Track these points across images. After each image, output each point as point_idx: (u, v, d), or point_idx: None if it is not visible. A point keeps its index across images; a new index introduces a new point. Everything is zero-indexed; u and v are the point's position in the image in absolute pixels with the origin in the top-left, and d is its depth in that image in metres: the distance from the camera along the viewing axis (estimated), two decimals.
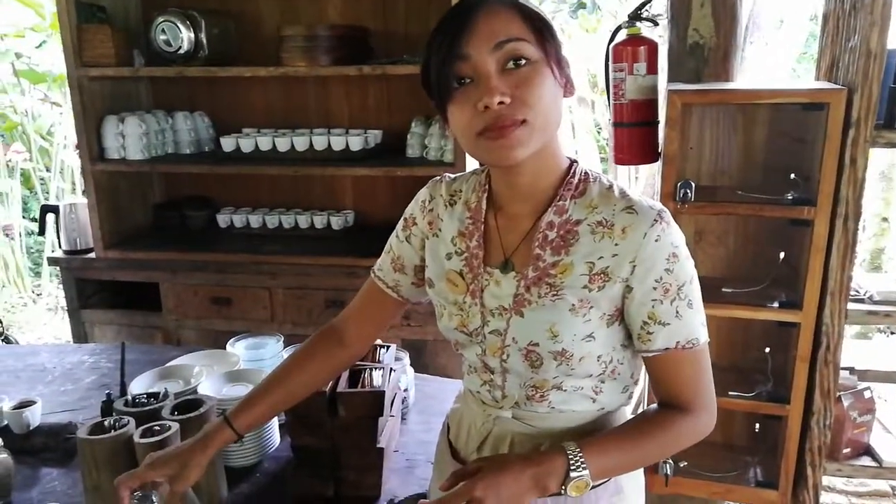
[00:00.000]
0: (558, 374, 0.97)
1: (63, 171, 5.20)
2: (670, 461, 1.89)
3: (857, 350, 3.73)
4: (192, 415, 1.26)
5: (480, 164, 1.05)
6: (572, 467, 0.89)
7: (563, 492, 0.90)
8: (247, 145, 2.74)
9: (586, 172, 0.99)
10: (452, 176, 1.11)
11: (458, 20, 0.89)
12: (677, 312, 0.94)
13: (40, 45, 5.31)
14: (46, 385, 1.80)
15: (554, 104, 0.91)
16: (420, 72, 0.95)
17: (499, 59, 0.87)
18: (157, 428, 1.21)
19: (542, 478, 0.89)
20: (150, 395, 1.38)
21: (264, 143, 2.73)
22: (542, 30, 0.90)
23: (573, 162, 1.00)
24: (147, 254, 2.79)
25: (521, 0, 0.91)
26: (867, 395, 1.87)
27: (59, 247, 2.91)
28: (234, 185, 3.10)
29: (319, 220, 2.88)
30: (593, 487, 0.97)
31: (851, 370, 1.94)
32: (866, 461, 1.87)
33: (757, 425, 1.99)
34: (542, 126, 0.89)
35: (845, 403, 1.83)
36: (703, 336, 0.97)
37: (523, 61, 0.88)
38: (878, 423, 1.95)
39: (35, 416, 1.52)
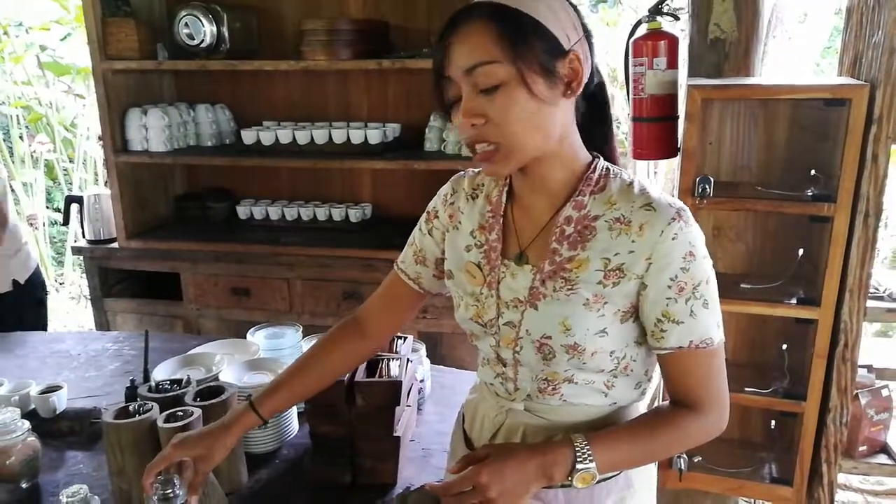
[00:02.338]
0: (570, 368, 0.98)
1: (86, 162, 5.28)
2: (685, 456, 1.90)
3: (877, 348, 3.70)
4: (214, 401, 1.28)
5: None
6: (579, 459, 0.90)
7: (569, 482, 0.91)
8: (267, 138, 2.77)
9: (608, 168, 1.00)
10: (475, 170, 1.12)
11: (442, 41, 0.91)
12: (692, 312, 0.94)
13: (65, 37, 5.38)
14: (72, 371, 1.84)
15: (533, 120, 0.90)
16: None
17: (471, 82, 0.89)
18: (180, 413, 1.23)
19: (548, 467, 0.90)
20: (173, 382, 1.41)
21: (284, 135, 2.76)
22: (517, 42, 0.87)
23: (595, 157, 1.00)
24: (169, 244, 2.83)
25: (500, 8, 0.89)
26: (885, 393, 1.86)
27: (83, 237, 2.96)
28: (254, 177, 3.14)
29: (338, 213, 2.90)
30: (603, 481, 0.99)
31: (869, 368, 1.93)
32: (883, 459, 1.86)
33: (773, 422, 1.99)
34: (519, 146, 0.91)
35: (862, 401, 1.82)
36: (717, 336, 0.96)
37: (493, 86, 0.88)
38: None
39: (61, 401, 1.56)
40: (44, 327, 2.44)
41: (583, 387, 1.00)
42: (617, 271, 0.94)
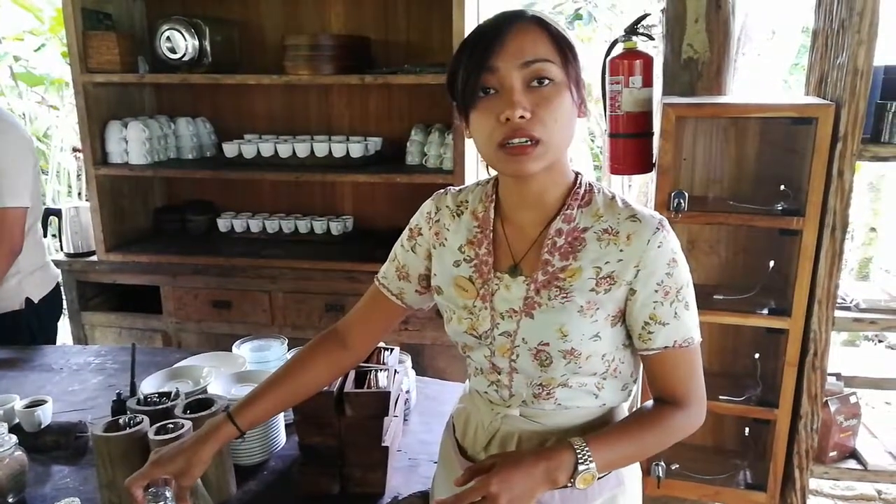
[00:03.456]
0: (566, 373, 1.03)
1: (59, 174, 5.22)
2: (662, 464, 1.95)
3: (844, 357, 3.81)
4: (204, 413, 1.29)
5: (488, 172, 1.10)
6: (580, 461, 0.95)
7: (571, 484, 0.95)
8: (249, 151, 2.78)
9: (590, 184, 1.06)
10: (457, 188, 1.17)
11: (490, 34, 0.94)
12: (676, 313, 1.01)
13: (39, 48, 5.33)
14: (54, 385, 1.83)
15: (568, 124, 0.97)
16: (446, 77, 1.00)
17: (525, 76, 0.93)
18: (170, 426, 1.24)
19: (552, 472, 0.94)
20: (161, 395, 1.42)
21: (266, 149, 2.77)
22: (566, 52, 0.95)
23: (578, 174, 1.06)
24: (148, 257, 2.82)
25: (551, 22, 0.96)
26: (853, 400, 1.93)
27: (61, 249, 2.94)
28: (234, 189, 3.14)
29: (319, 226, 2.92)
30: (596, 480, 1.03)
31: (838, 376, 2.00)
32: (852, 464, 1.93)
33: (746, 429, 2.05)
34: (555, 144, 0.96)
35: (832, 408, 1.89)
36: (697, 336, 1.04)
37: (546, 81, 0.93)
38: (864, 427, 2.01)
39: (46, 415, 1.56)
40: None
41: (576, 390, 1.05)
42: (608, 279, 1.00)
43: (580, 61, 0.97)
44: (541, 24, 0.95)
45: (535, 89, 0.93)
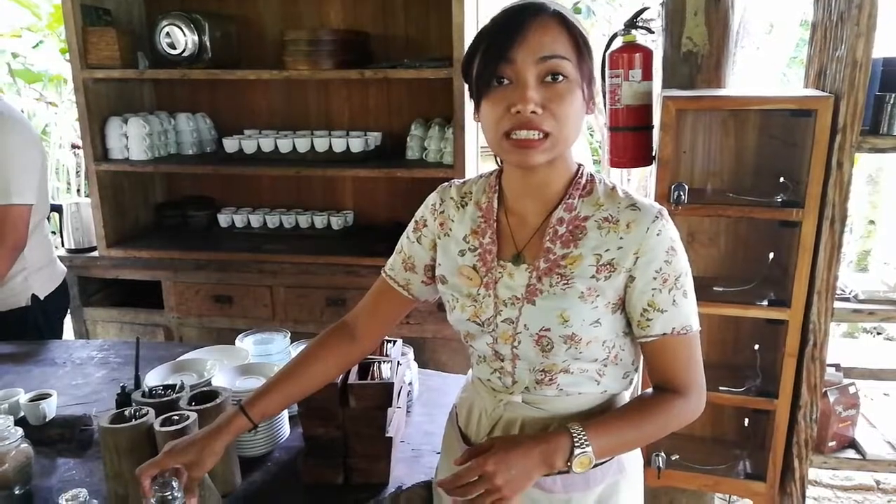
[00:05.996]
0: (567, 358, 1.05)
1: (58, 171, 5.22)
2: (663, 454, 1.96)
3: (844, 349, 3.83)
4: (209, 405, 1.30)
5: (497, 162, 1.12)
6: (576, 445, 0.97)
7: (568, 468, 0.97)
8: (249, 146, 2.79)
9: (592, 175, 1.08)
10: (460, 181, 1.19)
11: (511, 24, 0.95)
12: (674, 301, 1.03)
13: (37, 45, 5.33)
14: (58, 379, 1.84)
15: (577, 120, 0.99)
16: (463, 59, 1.02)
17: (540, 70, 0.94)
18: (175, 417, 1.25)
19: (549, 455, 0.96)
20: (166, 387, 1.43)
21: (266, 144, 2.78)
22: (582, 50, 0.97)
23: (580, 165, 1.08)
24: (149, 252, 2.83)
25: (571, 18, 0.97)
26: (852, 390, 1.94)
27: (62, 245, 2.95)
28: (235, 185, 3.15)
29: (320, 220, 2.93)
30: (598, 465, 1.05)
31: (837, 367, 2.01)
32: (851, 454, 1.94)
33: (746, 420, 2.06)
34: (563, 139, 0.98)
35: (831, 398, 1.90)
36: (695, 324, 1.05)
37: (560, 78, 0.95)
38: (863, 417, 2.02)
39: (51, 408, 1.57)
40: None
41: (578, 376, 1.07)
42: (608, 266, 1.02)
43: (593, 58, 0.99)
44: (562, 20, 0.96)
45: (548, 85, 0.95)
